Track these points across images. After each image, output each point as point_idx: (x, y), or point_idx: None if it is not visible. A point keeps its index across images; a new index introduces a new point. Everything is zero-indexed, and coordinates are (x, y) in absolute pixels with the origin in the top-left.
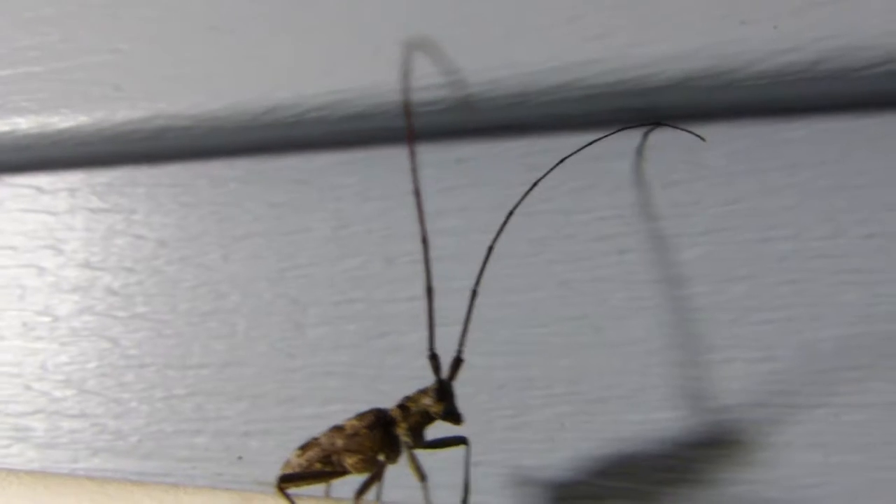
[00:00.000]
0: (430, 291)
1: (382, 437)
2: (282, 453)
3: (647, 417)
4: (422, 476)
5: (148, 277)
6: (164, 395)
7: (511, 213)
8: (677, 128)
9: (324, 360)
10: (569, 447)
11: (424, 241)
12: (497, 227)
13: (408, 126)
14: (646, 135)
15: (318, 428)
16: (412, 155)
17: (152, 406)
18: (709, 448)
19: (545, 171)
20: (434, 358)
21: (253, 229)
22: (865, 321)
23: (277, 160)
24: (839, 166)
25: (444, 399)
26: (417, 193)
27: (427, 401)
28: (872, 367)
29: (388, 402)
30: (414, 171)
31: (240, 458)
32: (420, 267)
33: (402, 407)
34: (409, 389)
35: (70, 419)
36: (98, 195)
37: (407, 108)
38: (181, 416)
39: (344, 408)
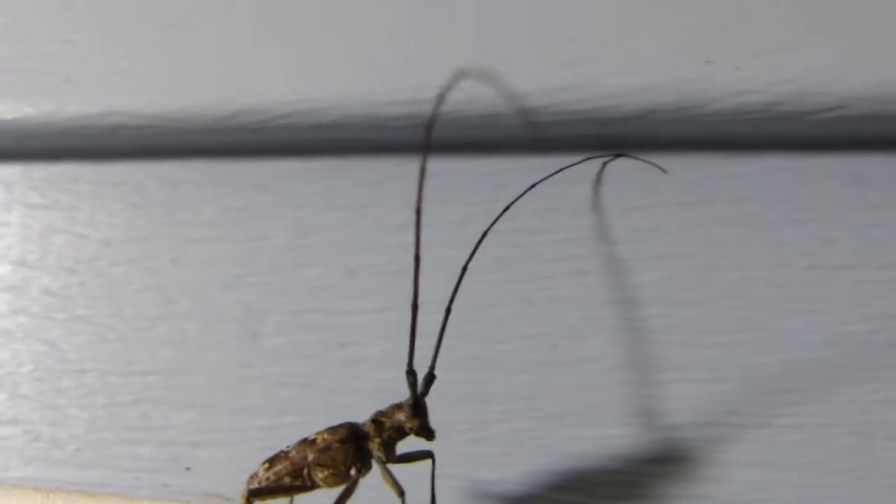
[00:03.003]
0: (415, 309)
1: (355, 451)
2: (233, 465)
3: (601, 434)
4: (400, 491)
5: (91, 279)
6: (106, 402)
7: (485, 234)
8: (640, 159)
9: (280, 369)
10: (525, 461)
11: (417, 258)
12: (461, 243)
13: (424, 149)
14: (605, 164)
15: (273, 439)
16: (421, 176)
17: (92, 413)
18: (659, 464)
19: (511, 191)
20: (412, 374)
21: (207, 234)
22: (804, 348)
23: (236, 164)
24: (783, 202)
25: (418, 415)
26: (419, 212)
27: (401, 416)
28: (809, 391)
29: (345, 414)
30: (420, 188)
31: (188, 469)
32: (381, 280)
33: (376, 422)
34: (368, 402)
35: (0, 425)
36: (36, 190)
37: (428, 132)
38: (124, 425)
39: (299, 419)
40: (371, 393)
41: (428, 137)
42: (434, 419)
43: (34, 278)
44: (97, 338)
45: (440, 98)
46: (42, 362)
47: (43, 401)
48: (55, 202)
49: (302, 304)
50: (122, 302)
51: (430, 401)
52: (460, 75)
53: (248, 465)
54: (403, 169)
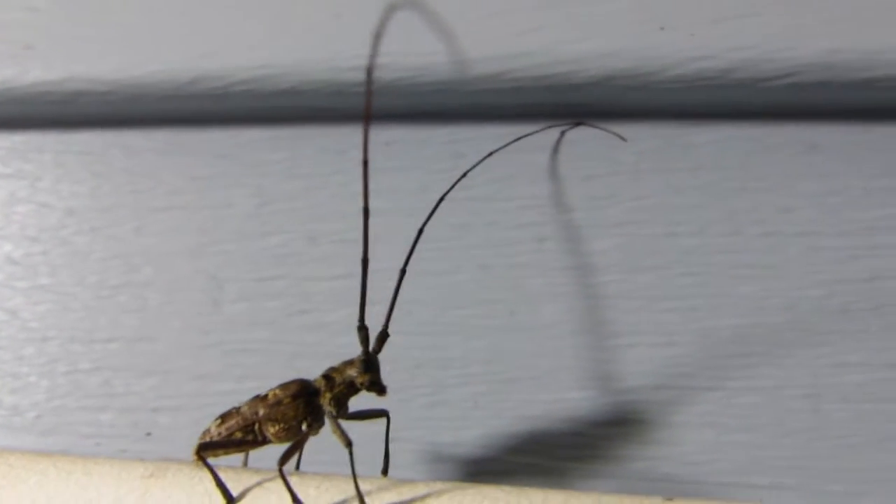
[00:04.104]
0: (365, 263)
1: (306, 406)
2: (194, 429)
3: (557, 397)
4: (347, 442)
5: (53, 248)
6: (68, 369)
7: (442, 199)
8: (599, 128)
9: (241, 336)
10: (482, 424)
11: (365, 211)
12: (421, 210)
13: (367, 94)
14: (564, 132)
15: (233, 405)
16: (366, 124)
17: (54, 381)
18: (614, 426)
19: (470, 159)
20: (363, 329)
21: (170, 202)
22: (758, 313)
23: (199, 133)
24: (739, 171)
25: (369, 370)
26: (366, 164)
27: (353, 371)
28: (762, 355)
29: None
30: (365, 141)
31: (148, 434)
32: (343, 247)
33: (327, 377)
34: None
35: None
36: None
37: (369, 75)
38: (85, 392)
39: (260, 384)
40: (332, 358)
41: (369, 80)
42: (392, 383)
43: None
44: (60, 306)
45: (377, 37)
46: (3, 330)
47: (4, 369)
48: (18, 171)
49: (264, 272)
50: (85, 270)
51: (388, 364)
52: (392, 9)
53: None
54: None
